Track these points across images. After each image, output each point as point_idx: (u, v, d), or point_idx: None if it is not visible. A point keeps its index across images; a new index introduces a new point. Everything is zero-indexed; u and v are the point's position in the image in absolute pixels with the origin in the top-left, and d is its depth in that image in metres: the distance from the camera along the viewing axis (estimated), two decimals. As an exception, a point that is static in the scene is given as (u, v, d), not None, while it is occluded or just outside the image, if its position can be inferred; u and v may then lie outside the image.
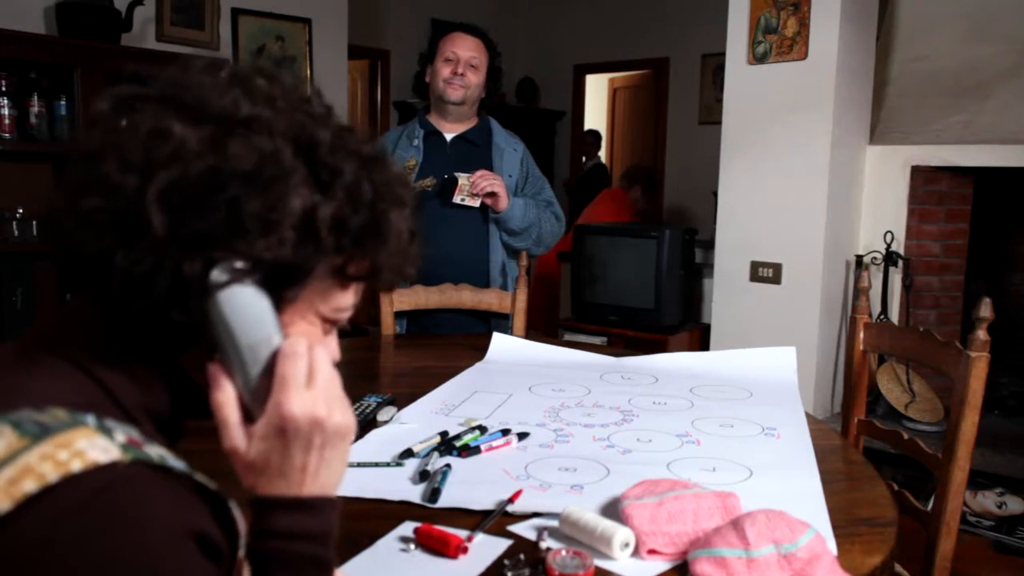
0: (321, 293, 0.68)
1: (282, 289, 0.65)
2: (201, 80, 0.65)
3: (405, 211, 0.70)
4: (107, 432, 0.58)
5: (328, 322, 0.71)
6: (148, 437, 0.62)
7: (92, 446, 0.56)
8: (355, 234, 0.66)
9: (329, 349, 0.72)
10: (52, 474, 0.54)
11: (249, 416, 0.66)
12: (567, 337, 4.07)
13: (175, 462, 0.61)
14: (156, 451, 0.60)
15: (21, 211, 3.21)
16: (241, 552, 0.65)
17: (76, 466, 0.54)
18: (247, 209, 0.60)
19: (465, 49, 2.40)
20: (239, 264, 0.62)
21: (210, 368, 0.65)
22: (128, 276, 0.60)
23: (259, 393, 0.65)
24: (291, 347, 0.65)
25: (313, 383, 0.65)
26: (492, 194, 2.32)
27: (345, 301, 0.71)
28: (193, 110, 0.62)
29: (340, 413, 0.66)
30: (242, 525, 0.67)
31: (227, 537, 0.63)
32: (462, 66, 2.38)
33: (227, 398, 0.65)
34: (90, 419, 0.59)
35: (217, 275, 0.61)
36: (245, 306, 0.63)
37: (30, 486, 0.53)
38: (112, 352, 0.65)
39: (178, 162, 0.60)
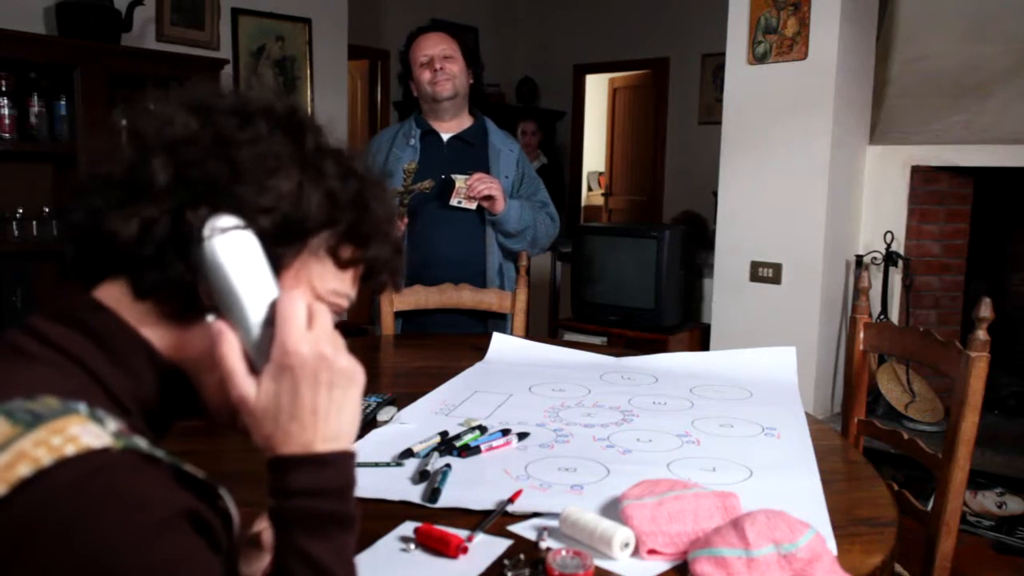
0: (319, 272, 0.71)
1: (278, 246, 0.67)
2: (208, 93, 0.73)
3: (388, 206, 0.75)
4: (98, 420, 0.59)
5: (325, 304, 0.72)
6: (136, 431, 0.63)
7: (85, 432, 0.57)
8: (344, 207, 0.70)
9: None
10: (46, 458, 0.55)
11: (256, 370, 0.67)
12: (567, 337, 4.07)
13: (162, 454, 0.62)
14: (144, 442, 0.61)
15: (21, 211, 3.21)
16: (251, 531, 0.66)
17: (70, 450, 0.56)
18: (245, 162, 0.66)
19: (432, 46, 2.41)
20: (238, 218, 0.66)
21: (213, 325, 0.66)
22: (134, 225, 0.64)
23: (262, 344, 0.66)
24: (289, 293, 0.67)
25: (314, 326, 0.67)
26: (489, 197, 2.32)
27: (341, 285, 0.73)
28: (194, 106, 0.70)
29: (345, 358, 0.67)
30: (235, 513, 0.68)
31: (220, 521, 0.64)
32: (438, 61, 2.39)
33: (231, 348, 0.66)
34: (82, 407, 0.60)
35: (216, 223, 0.65)
36: (244, 255, 0.65)
37: (25, 470, 0.54)
38: (105, 342, 0.66)
39: (180, 128, 0.68)
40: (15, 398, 0.59)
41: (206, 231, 0.65)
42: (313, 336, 0.66)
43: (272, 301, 0.67)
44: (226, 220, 0.65)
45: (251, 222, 0.66)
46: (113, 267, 0.68)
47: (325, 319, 0.68)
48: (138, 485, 0.57)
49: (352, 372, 0.68)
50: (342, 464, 0.67)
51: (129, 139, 0.69)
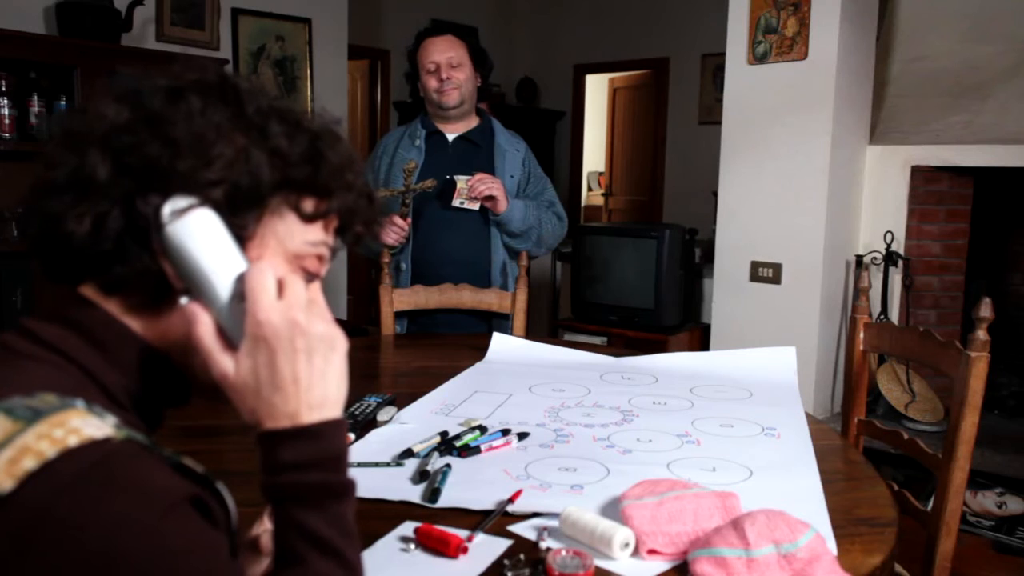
0: (285, 231, 0.70)
1: (239, 217, 0.66)
2: (137, 80, 0.71)
3: (346, 158, 0.73)
4: (97, 414, 0.60)
5: (300, 262, 0.71)
6: (131, 426, 0.63)
7: (86, 424, 0.58)
8: (296, 165, 0.69)
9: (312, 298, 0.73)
10: (50, 450, 0.55)
11: (233, 346, 0.66)
12: (567, 337, 4.07)
13: (161, 451, 0.63)
14: (142, 437, 0.61)
15: (21, 211, 3.20)
16: (251, 533, 0.66)
17: (72, 441, 0.56)
18: (183, 137, 0.65)
19: (440, 52, 2.40)
20: (189, 198, 0.65)
21: (187, 308, 0.66)
22: (85, 224, 0.64)
23: (236, 319, 0.65)
24: (255, 265, 0.66)
25: (285, 295, 0.66)
26: (491, 197, 2.32)
27: (314, 235, 0.71)
28: (126, 94, 0.69)
29: (321, 323, 0.66)
30: (233, 509, 0.68)
31: (222, 514, 0.64)
32: (444, 70, 2.39)
33: (206, 329, 0.65)
34: (79, 403, 0.60)
35: (173, 203, 0.64)
36: (205, 231, 0.65)
37: (30, 463, 0.55)
38: (95, 338, 0.66)
39: (112, 118, 0.67)
40: (12, 396, 0.59)
41: (163, 216, 0.64)
42: (284, 304, 0.65)
43: (240, 275, 0.66)
44: (179, 201, 0.65)
45: (204, 198, 0.65)
46: (82, 267, 0.68)
47: (297, 287, 0.66)
48: (143, 473, 0.57)
49: (331, 337, 0.66)
50: (331, 433, 0.66)
51: (64, 141, 0.68)
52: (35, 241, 0.70)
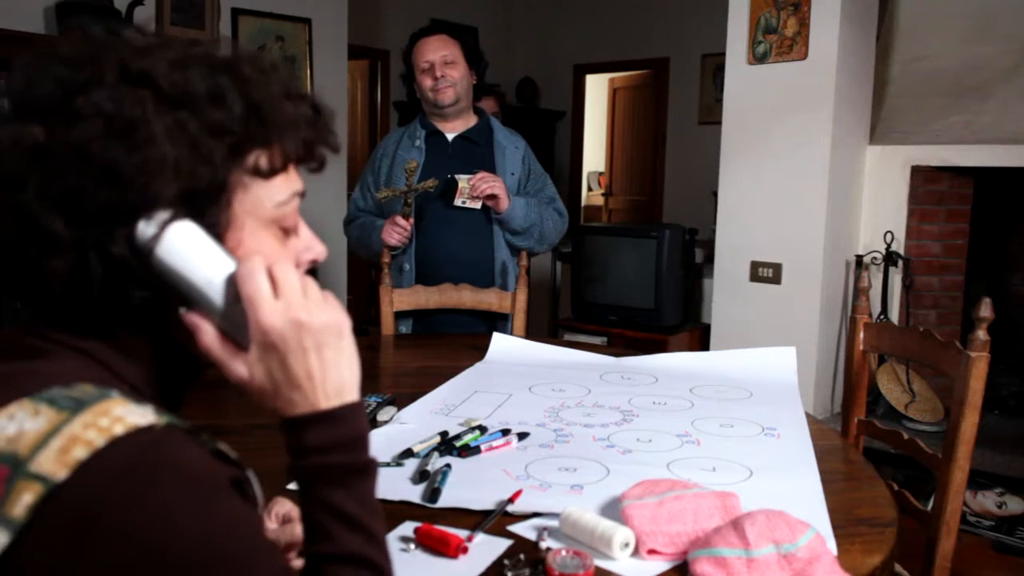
0: (250, 199, 0.67)
1: (209, 214, 0.65)
2: (25, 76, 0.65)
3: (279, 89, 0.68)
4: (135, 402, 0.61)
5: (277, 226, 0.70)
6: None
7: (129, 412, 0.59)
8: (240, 132, 0.65)
9: (312, 250, 0.72)
10: (99, 439, 0.57)
11: (243, 347, 0.67)
12: (567, 337, 4.06)
13: (196, 433, 0.64)
14: (179, 420, 0.63)
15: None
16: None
17: (119, 430, 0.57)
18: (121, 163, 0.60)
19: (433, 51, 2.40)
20: (155, 216, 0.62)
21: (186, 319, 0.66)
22: (63, 277, 0.62)
23: (238, 322, 0.66)
24: (245, 268, 0.65)
25: (280, 292, 0.65)
26: (492, 196, 2.32)
27: (277, 195, 0.69)
28: (28, 107, 0.63)
29: (322, 312, 0.66)
30: (260, 493, 0.71)
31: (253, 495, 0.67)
32: (438, 68, 2.39)
33: (211, 339, 0.66)
34: (115, 392, 0.61)
35: (143, 231, 0.62)
36: (184, 247, 0.64)
37: (81, 453, 0.56)
38: (102, 333, 0.66)
39: (40, 162, 0.61)
40: (53, 387, 0.60)
41: (139, 248, 0.62)
42: (283, 305, 0.65)
43: (230, 276, 0.65)
44: (146, 229, 0.62)
45: (169, 213, 0.62)
46: (71, 311, 0.65)
47: (289, 278, 0.66)
48: (187, 459, 0.59)
49: (337, 325, 0.67)
50: (352, 416, 0.68)
51: None
52: (9, 289, 0.66)
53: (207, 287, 0.65)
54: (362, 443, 0.69)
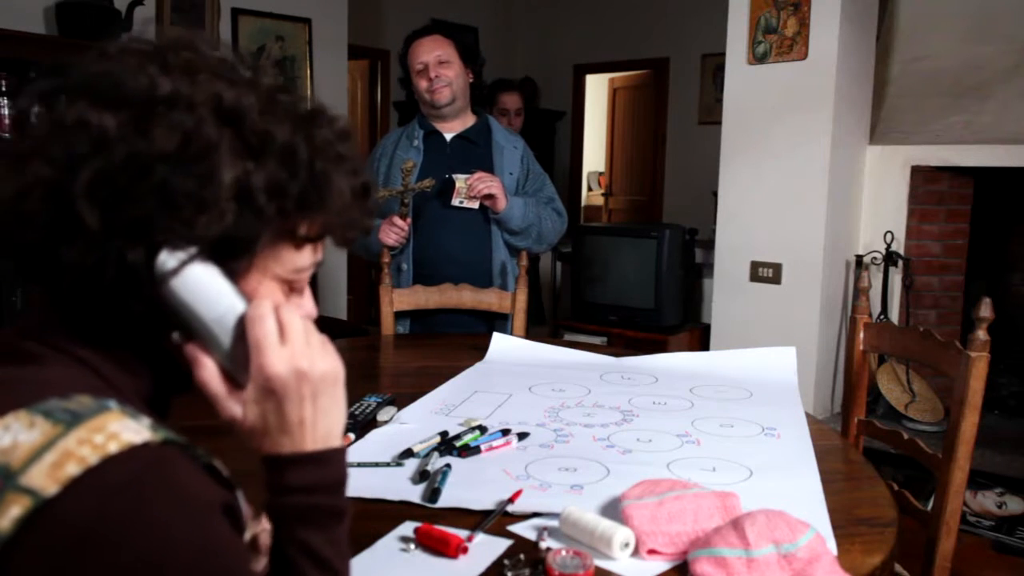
0: (275, 257, 0.68)
1: (231, 260, 0.65)
2: (116, 63, 0.63)
3: (347, 166, 0.68)
4: (132, 415, 0.61)
5: (288, 284, 0.70)
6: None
7: (124, 428, 0.59)
8: (296, 198, 0.64)
9: (304, 308, 0.72)
10: (92, 456, 0.56)
11: (239, 384, 0.67)
12: (567, 337, 4.06)
13: (192, 447, 0.64)
14: (175, 435, 0.63)
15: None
16: (247, 535, 0.67)
17: (113, 447, 0.57)
18: (178, 189, 0.59)
19: (427, 52, 2.40)
20: (183, 249, 0.62)
21: (187, 350, 0.66)
22: (74, 270, 0.61)
23: (240, 360, 0.66)
24: (256, 310, 0.65)
25: (287, 338, 0.66)
26: (490, 196, 2.32)
27: (301, 261, 0.69)
28: (109, 96, 0.61)
29: (322, 361, 0.67)
30: (247, 512, 0.70)
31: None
32: (433, 69, 2.39)
33: (210, 374, 0.66)
34: (112, 403, 0.61)
35: (164, 262, 0.62)
36: (200, 285, 0.63)
37: (73, 469, 0.55)
38: (97, 341, 0.66)
39: (100, 153, 0.59)
40: (49, 398, 0.60)
41: (155, 274, 0.61)
42: (288, 352, 0.66)
43: (239, 316, 0.65)
44: (170, 260, 0.61)
45: (198, 250, 0.62)
46: (75, 294, 0.64)
47: (295, 325, 0.67)
48: (181, 479, 0.59)
49: (333, 375, 0.68)
50: (335, 460, 0.69)
51: (36, 156, 0.60)
52: (7, 253, 0.65)
53: (215, 325, 0.65)
54: (342, 488, 0.70)
